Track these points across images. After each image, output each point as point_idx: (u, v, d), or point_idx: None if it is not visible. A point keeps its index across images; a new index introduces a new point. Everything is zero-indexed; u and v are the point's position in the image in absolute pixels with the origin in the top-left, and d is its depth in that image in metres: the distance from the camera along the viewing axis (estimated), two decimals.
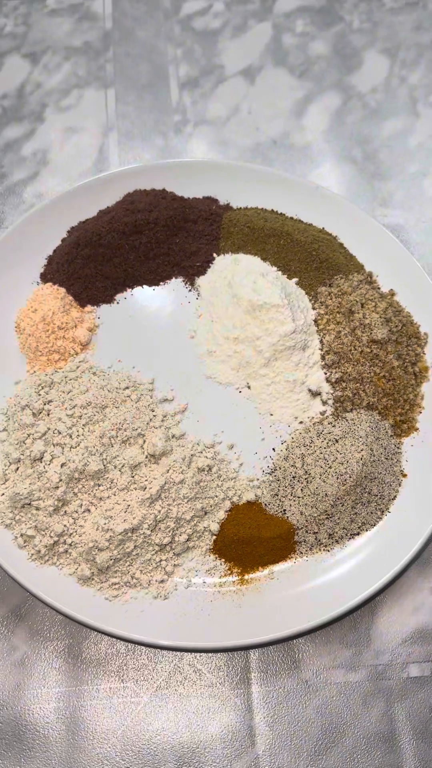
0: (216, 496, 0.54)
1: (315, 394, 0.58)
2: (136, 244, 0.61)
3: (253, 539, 0.53)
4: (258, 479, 0.55)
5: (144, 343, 0.60)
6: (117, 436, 0.53)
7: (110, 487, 0.52)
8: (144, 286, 0.62)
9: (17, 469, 0.53)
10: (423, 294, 0.60)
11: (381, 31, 0.79)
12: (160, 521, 0.51)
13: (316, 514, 0.53)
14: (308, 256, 0.61)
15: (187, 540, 0.52)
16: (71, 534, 0.51)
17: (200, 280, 0.62)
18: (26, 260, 0.61)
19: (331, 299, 0.60)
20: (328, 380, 0.58)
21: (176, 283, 0.62)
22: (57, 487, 0.51)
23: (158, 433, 0.54)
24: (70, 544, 0.51)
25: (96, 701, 0.51)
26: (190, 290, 0.62)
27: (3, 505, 0.52)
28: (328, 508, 0.53)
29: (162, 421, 0.56)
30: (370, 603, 0.53)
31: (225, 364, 0.59)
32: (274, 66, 0.77)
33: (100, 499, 0.52)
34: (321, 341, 0.59)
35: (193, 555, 0.53)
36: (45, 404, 0.55)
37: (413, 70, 0.77)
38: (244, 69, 0.76)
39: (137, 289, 0.62)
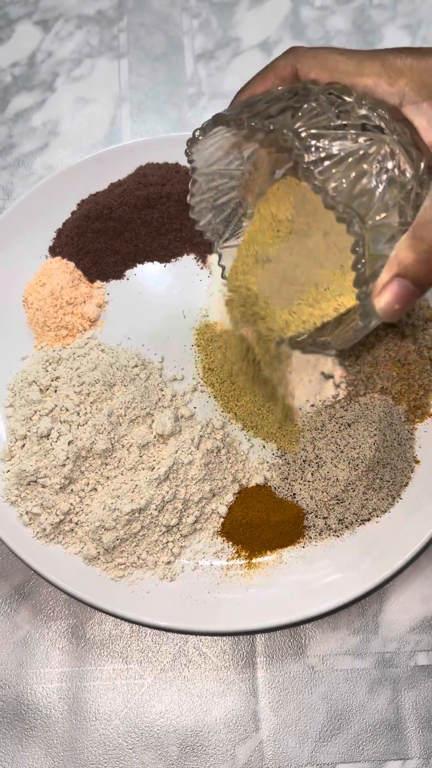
0: (225, 479, 0.53)
1: (327, 377, 0.57)
2: (148, 218, 0.60)
3: (261, 523, 0.52)
4: (268, 462, 0.54)
5: (154, 320, 0.59)
6: (125, 415, 0.52)
7: (118, 467, 0.51)
8: (155, 262, 0.61)
9: (23, 445, 0.52)
10: None
11: (402, 6, 0.77)
12: (167, 502, 0.50)
13: (326, 499, 0.52)
14: None
15: (195, 522, 0.51)
16: (77, 513, 0.50)
17: (212, 258, 0.61)
18: (35, 233, 0.60)
19: None
20: (341, 363, 0.57)
21: (188, 260, 0.61)
22: (64, 465, 0.50)
23: (167, 413, 0.53)
24: (77, 523, 0.50)
25: (99, 682, 0.50)
26: (202, 268, 0.61)
27: (9, 482, 0.51)
28: (338, 493, 0.52)
29: (171, 400, 0.55)
30: (379, 590, 0.53)
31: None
32: (292, 39, 0.74)
33: (108, 478, 0.51)
34: None
35: (201, 537, 0.52)
36: (52, 381, 0.54)
37: None
38: (262, 42, 0.74)
39: (148, 266, 0.61)
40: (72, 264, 0.59)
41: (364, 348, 0.56)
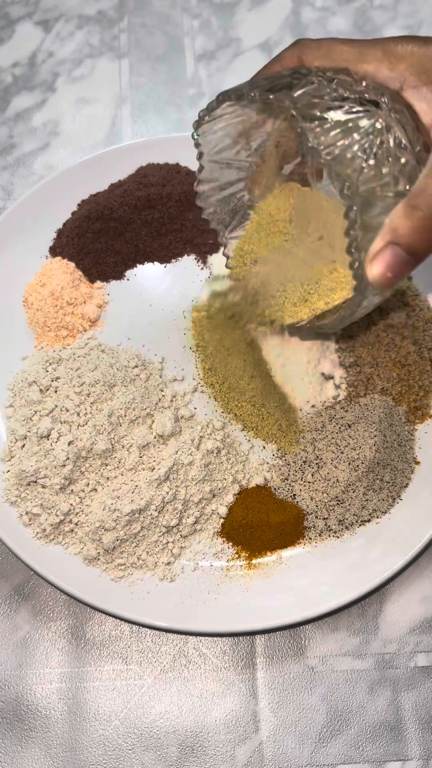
0: (225, 479, 0.53)
1: (328, 377, 0.57)
2: (149, 219, 0.60)
3: (261, 524, 0.52)
4: (268, 463, 0.54)
5: (154, 321, 0.59)
6: (125, 416, 0.52)
7: (118, 467, 0.51)
8: (155, 262, 0.61)
9: (23, 446, 0.52)
10: None
11: (402, 7, 0.77)
12: (167, 503, 0.50)
13: (326, 500, 0.52)
14: None
15: (195, 522, 0.51)
16: (77, 513, 0.50)
17: (213, 258, 0.61)
18: (35, 233, 0.60)
19: None
20: (341, 364, 0.56)
21: (188, 261, 0.61)
22: (64, 466, 0.50)
23: (167, 414, 0.53)
24: (77, 524, 0.50)
25: (99, 683, 0.50)
26: (202, 268, 0.61)
27: (9, 482, 0.51)
28: (338, 493, 0.52)
29: (171, 401, 0.55)
30: (379, 591, 0.53)
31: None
32: (293, 40, 0.74)
33: (108, 478, 0.51)
34: None
35: (201, 538, 0.52)
36: (52, 381, 0.54)
37: None
38: (262, 42, 0.74)
39: (148, 266, 0.61)
40: (72, 264, 0.59)
41: (365, 348, 0.56)
